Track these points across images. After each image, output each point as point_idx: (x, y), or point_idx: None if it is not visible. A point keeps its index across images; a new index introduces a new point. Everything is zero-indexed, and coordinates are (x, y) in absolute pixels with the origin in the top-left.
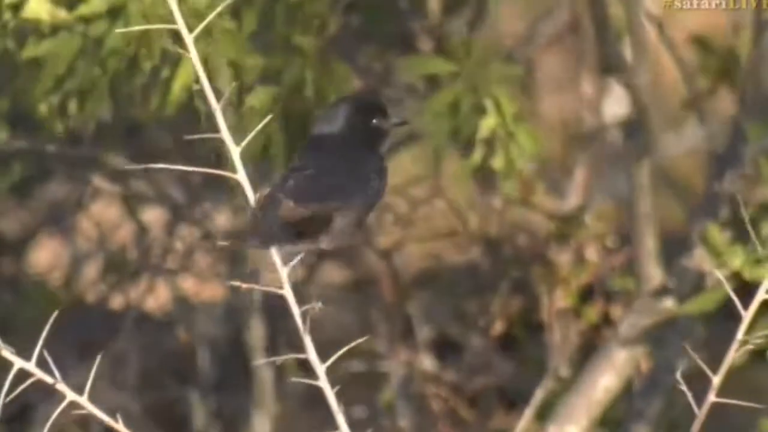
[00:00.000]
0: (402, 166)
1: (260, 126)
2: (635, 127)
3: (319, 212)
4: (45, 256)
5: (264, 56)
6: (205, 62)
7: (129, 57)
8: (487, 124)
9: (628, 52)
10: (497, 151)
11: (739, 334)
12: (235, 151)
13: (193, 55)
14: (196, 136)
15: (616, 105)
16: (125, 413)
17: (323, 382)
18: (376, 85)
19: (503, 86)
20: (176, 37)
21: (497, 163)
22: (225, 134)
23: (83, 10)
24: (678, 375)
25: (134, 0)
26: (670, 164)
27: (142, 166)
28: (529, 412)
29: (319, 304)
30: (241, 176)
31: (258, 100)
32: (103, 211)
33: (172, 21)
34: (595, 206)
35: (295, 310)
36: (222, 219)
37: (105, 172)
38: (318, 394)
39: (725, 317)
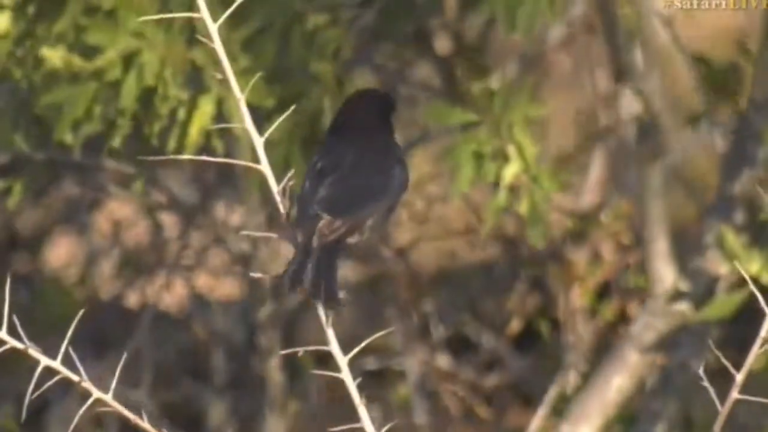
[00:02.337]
0: (417, 163)
1: (275, 126)
2: (647, 130)
3: (354, 224)
4: (60, 253)
5: (281, 84)
6: (220, 104)
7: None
8: (511, 170)
9: (639, 57)
10: (522, 196)
11: (763, 332)
12: (258, 142)
13: (217, 44)
14: (218, 126)
15: (632, 101)
16: (142, 411)
17: (346, 375)
18: (391, 82)
19: (525, 129)
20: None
21: (522, 208)
22: (249, 124)
23: (99, 61)
24: (701, 372)
25: (149, 47)
26: (683, 162)
27: (156, 158)
28: (543, 411)
29: (344, 293)
30: (265, 167)
31: (276, 130)
32: (119, 209)
33: (188, 63)
34: (612, 204)
35: (318, 305)
36: (236, 218)
37: (115, 175)
38: (334, 391)
39: (737, 321)
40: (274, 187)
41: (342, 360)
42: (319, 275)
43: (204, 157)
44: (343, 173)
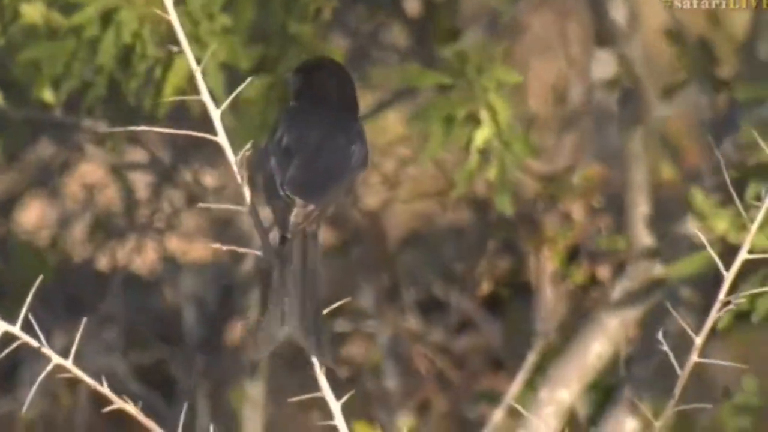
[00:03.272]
0: (389, 125)
1: (241, 88)
2: (627, 95)
3: (324, 208)
4: (32, 216)
5: (260, 45)
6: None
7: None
8: (483, 134)
9: (622, 18)
10: (492, 160)
11: (721, 295)
12: (215, 113)
13: (173, 17)
14: (179, 98)
15: (603, 66)
16: (112, 374)
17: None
18: (364, 45)
19: (499, 94)
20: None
21: (491, 173)
22: (206, 97)
23: (77, 18)
24: (660, 336)
25: (127, 5)
26: (662, 125)
27: (127, 128)
28: (521, 376)
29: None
30: (222, 138)
31: (254, 90)
32: (90, 172)
33: (165, 23)
34: (583, 167)
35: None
36: (209, 180)
37: (91, 135)
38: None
39: (717, 283)
40: (232, 159)
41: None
42: (306, 317)
43: (161, 129)
44: (309, 153)
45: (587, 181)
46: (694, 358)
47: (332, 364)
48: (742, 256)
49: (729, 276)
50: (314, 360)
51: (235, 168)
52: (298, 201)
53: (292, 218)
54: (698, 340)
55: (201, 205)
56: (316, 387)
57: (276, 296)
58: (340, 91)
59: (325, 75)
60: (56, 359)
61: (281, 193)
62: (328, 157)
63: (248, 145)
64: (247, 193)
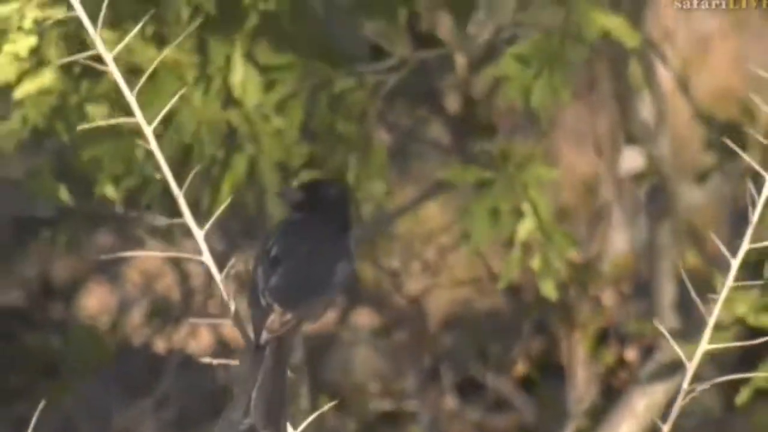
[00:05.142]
0: (429, 215)
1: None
2: (655, 190)
3: (302, 318)
4: (93, 302)
5: (309, 144)
6: (254, 164)
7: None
8: (526, 227)
9: (649, 118)
10: (535, 252)
11: (685, 384)
12: (199, 235)
13: (151, 139)
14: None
15: (632, 161)
16: None
17: None
18: (406, 140)
19: (539, 189)
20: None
21: (535, 264)
22: (188, 219)
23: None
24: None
25: (187, 107)
26: (690, 214)
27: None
28: None
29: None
30: (207, 258)
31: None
32: (148, 261)
33: (222, 123)
34: (612, 254)
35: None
36: None
37: (149, 227)
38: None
39: (740, 362)
40: (217, 277)
41: None
42: (270, 414)
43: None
44: (295, 264)
45: (616, 269)
46: None
47: None
48: (703, 347)
49: (693, 363)
50: None
51: (221, 285)
52: (277, 308)
53: (268, 324)
54: (665, 428)
55: (192, 320)
56: None
57: (244, 390)
58: (335, 209)
59: (324, 192)
60: None
61: (262, 301)
62: (312, 271)
63: (233, 261)
64: (231, 304)
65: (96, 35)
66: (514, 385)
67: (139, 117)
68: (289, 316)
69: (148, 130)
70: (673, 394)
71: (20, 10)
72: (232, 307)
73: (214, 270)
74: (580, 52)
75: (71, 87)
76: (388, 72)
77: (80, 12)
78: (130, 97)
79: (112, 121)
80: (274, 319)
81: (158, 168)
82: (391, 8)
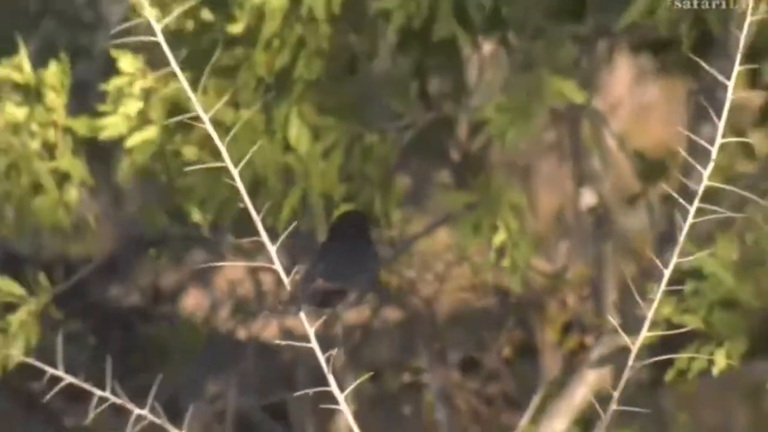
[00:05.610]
0: (438, 239)
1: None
2: (601, 218)
3: (339, 288)
4: (191, 302)
5: (346, 183)
6: (304, 195)
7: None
8: (499, 238)
9: (597, 165)
10: (506, 256)
11: (630, 362)
12: (272, 249)
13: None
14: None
15: (586, 197)
16: (249, 410)
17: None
18: (420, 182)
19: (510, 212)
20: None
21: (506, 263)
22: (264, 238)
23: (220, 159)
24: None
25: (258, 152)
26: (629, 238)
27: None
28: (529, 413)
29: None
30: (277, 266)
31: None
32: (232, 271)
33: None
34: (574, 267)
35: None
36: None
37: (231, 245)
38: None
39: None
40: (285, 280)
41: (340, 396)
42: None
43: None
44: (333, 261)
45: (577, 278)
46: (614, 406)
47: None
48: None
49: (636, 346)
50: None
51: (287, 285)
52: (321, 281)
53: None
54: (615, 393)
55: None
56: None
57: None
58: (358, 231)
59: (351, 219)
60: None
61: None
62: (345, 268)
63: (296, 268)
64: (294, 301)
65: (196, 101)
66: (501, 363)
67: (227, 161)
68: (328, 284)
69: (235, 172)
70: (615, 371)
71: (131, 80)
72: (294, 303)
73: (282, 275)
74: (543, 107)
75: (168, 138)
76: (404, 129)
77: (184, 84)
78: (221, 146)
79: (209, 165)
80: (317, 283)
81: (241, 199)
82: (404, 86)
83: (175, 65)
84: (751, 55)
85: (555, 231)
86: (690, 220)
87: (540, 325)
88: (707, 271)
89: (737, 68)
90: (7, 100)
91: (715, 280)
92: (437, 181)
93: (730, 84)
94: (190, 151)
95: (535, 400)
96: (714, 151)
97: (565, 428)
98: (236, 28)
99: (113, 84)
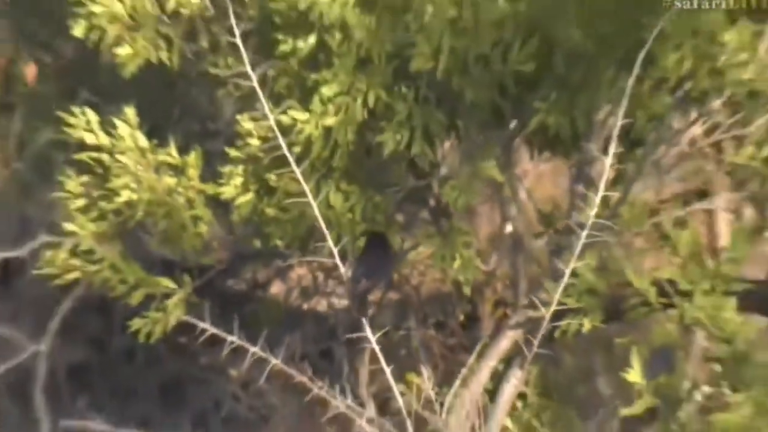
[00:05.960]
0: (420, 252)
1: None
2: (518, 242)
3: (376, 283)
4: (275, 289)
5: (366, 223)
6: (340, 234)
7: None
8: (456, 264)
9: (514, 210)
10: (463, 266)
11: (545, 323)
12: (341, 263)
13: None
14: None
15: (508, 228)
16: (310, 355)
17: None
18: (409, 219)
19: (464, 246)
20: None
21: (461, 269)
22: (337, 257)
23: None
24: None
25: (308, 207)
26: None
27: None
28: (474, 356)
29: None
30: (342, 269)
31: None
32: (299, 270)
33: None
34: (501, 269)
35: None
36: None
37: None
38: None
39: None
40: (343, 271)
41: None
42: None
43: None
44: (368, 267)
45: (503, 275)
46: (471, 360)
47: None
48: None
49: (549, 313)
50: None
51: (341, 269)
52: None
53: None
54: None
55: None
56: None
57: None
58: (381, 244)
59: (377, 239)
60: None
61: (354, 280)
62: (377, 269)
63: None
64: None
65: (299, 173)
66: (458, 326)
67: (315, 207)
68: (369, 283)
69: (318, 214)
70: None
71: (237, 165)
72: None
73: (344, 274)
74: (479, 183)
75: (259, 201)
76: (399, 191)
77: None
78: (312, 201)
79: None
80: (362, 283)
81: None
82: (399, 165)
83: (288, 153)
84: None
85: (490, 247)
86: (581, 240)
87: (481, 303)
88: (580, 272)
89: (612, 150)
90: (164, 174)
91: (584, 278)
92: (420, 217)
93: (607, 161)
94: (270, 209)
95: (478, 348)
96: (595, 201)
97: (494, 364)
98: (297, 148)
99: (228, 168)
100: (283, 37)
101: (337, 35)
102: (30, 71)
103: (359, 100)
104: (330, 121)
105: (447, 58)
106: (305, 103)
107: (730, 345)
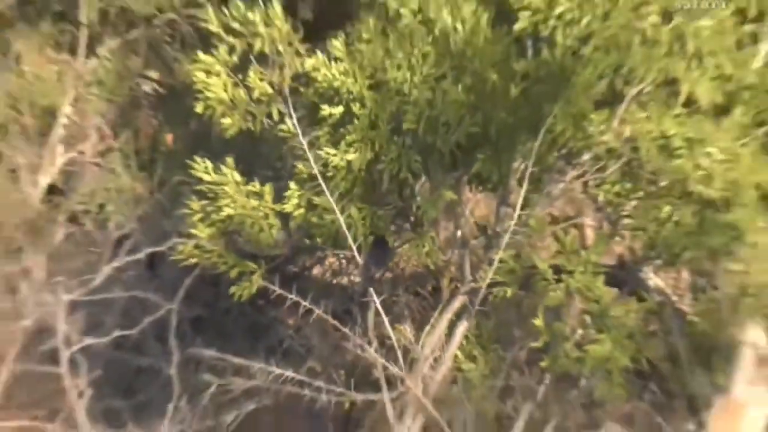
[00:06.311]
0: (406, 247)
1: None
2: (464, 241)
3: (378, 268)
4: (315, 272)
5: (371, 227)
6: (355, 236)
7: None
8: (427, 253)
9: (461, 221)
10: (429, 255)
11: (477, 301)
12: (354, 247)
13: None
14: None
15: (459, 232)
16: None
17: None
18: (398, 227)
19: (432, 243)
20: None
21: (426, 254)
22: (356, 253)
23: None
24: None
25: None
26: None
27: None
28: (436, 314)
29: None
30: (358, 258)
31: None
32: (330, 260)
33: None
34: (454, 258)
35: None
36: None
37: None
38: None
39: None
40: (359, 259)
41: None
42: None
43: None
44: (375, 258)
45: (456, 262)
46: (436, 315)
47: None
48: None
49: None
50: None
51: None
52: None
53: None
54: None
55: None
56: None
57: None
58: (382, 244)
59: (382, 241)
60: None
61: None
62: (382, 258)
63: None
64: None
65: (330, 198)
66: (429, 294)
67: (341, 219)
68: (378, 269)
69: (343, 223)
70: (472, 297)
71: (293, 193)
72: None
73: (360, 263)
74: (441, 203)
75: (308, 212)
76: (393, 209)
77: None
78: (339, 215)
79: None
80: (372, 269)
81: (339, 236)
82: (393, 201)
83: (324, 186)
84: None
85: (447, 245)
86: (505, 241)
87: (442, 279)
88: (503, 260)
89: (525, 186)
90: (250, 198)
91: (506, 264)
92: (404, 226)
93: (521, 192)
94: (314, 219)
95: (439, 308)
96: (514, 216)
97: (450, 317)
98: (330, 173)
99: (288, 192)
100: (323, 106)
101: (358, 105)
102: (169, 137)
103: (369, 145)
104: (350, 156)
105: (425, 122)
106: (336, 147)
107: (597, 304)
